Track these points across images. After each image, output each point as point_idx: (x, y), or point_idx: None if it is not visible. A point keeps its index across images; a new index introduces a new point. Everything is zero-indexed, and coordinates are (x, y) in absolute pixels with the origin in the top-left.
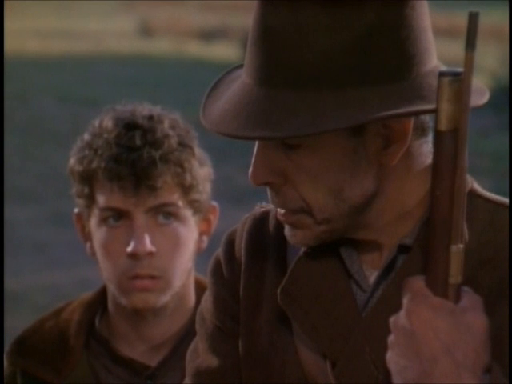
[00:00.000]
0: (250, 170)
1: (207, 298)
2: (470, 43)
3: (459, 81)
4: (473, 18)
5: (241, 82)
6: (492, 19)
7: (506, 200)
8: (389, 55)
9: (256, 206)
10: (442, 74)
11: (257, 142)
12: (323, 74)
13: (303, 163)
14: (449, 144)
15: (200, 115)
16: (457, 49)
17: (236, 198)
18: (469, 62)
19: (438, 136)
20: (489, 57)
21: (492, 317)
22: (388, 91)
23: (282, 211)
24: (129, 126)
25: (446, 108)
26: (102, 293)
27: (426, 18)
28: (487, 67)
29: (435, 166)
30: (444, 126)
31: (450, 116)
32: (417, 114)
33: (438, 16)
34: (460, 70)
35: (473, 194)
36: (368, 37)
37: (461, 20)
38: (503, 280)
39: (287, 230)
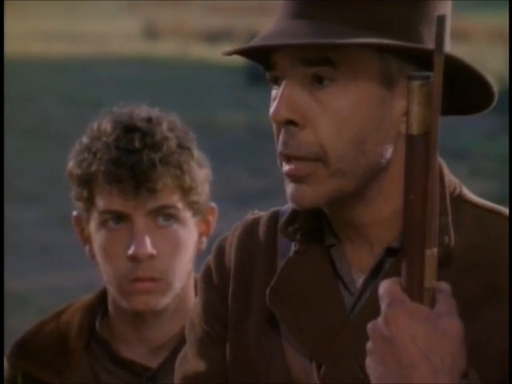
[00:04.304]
0: (273, 107)
1: (197, 303)
2: (439, 46)
3: (430, 84)
4: (440, 21)
5: (276, 21)
6: (498, 20)
7: (495, 205)
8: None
9: (248, 213)
10: (412, 78)
11: (284, 82)
12: (369, 15)
13: (332, 103)
14: (420, 148)
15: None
16: (462, 51)
17: (240, 200)
18: (438, 66)
19: (410, 140)
20: (494, 58)
21: (476, 321)
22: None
23: (293, 165)
24: (128, 129)
25: (416, 112)
26: (103, 295)
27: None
28: (493, 69)
29: (407, 170)
30: (415, 129)
31: (421, 120)
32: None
33: None
34: (430, 73)
35: (461, 198)
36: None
37: (467, 22)
38: (489, 284)
39: (293, 189)
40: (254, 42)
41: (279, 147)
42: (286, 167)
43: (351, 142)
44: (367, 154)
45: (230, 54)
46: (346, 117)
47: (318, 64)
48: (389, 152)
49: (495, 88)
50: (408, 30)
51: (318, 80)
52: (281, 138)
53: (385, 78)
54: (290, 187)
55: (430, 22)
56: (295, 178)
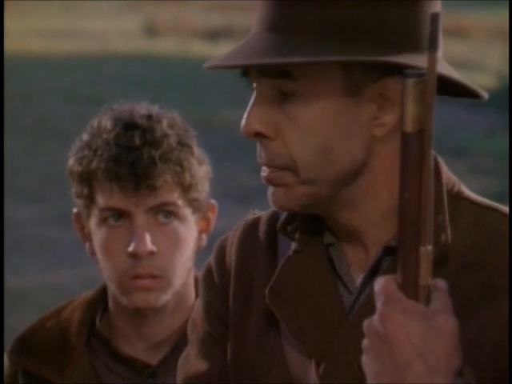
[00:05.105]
0: (243, 120)
1: (198, 303)
2: (433, 44)
3: (424, 82)
4: (434, 19)
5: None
6: (498, 18)
7: (493, 203)
8: (399, 21)
9: (249, 213)
10: (406, 76)
11: (253, 93)
12: (331, 24)
13: (296, 116)
14: (415, 146)
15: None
16: (462, 49)
17: (241, 197)
18: (432, 63)
19: (404, 138)
20: (494, 56)
21: (472, 319)
22: (388, 51)
23: (267, 170)
24: (128, 126)
25: (411, 109)
26: (103, 292)
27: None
28: (492, 67)
29: (402, 168)
30: (410, 127)
31: (415, 117)
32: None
33: (443, 16)
34: (424, 71)
35: (459, 196)
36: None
37: (466, 20)
38: (486, 283)
39: (269, 191)
40: (219, 61)
41: (257, 157)
42: (263, 172)
43: (317, 153)
44: (335, 162)
45: (208, 69)
46: (309, 129)
47: (278, 77)
48: (360, 158)
49: (482, 91)
50: (377, 35)
51: (283, 93)
52: (257, 149)
53: (349, 86)
54: (269, 189)
55: (411, 23)
56: (269, 182)
